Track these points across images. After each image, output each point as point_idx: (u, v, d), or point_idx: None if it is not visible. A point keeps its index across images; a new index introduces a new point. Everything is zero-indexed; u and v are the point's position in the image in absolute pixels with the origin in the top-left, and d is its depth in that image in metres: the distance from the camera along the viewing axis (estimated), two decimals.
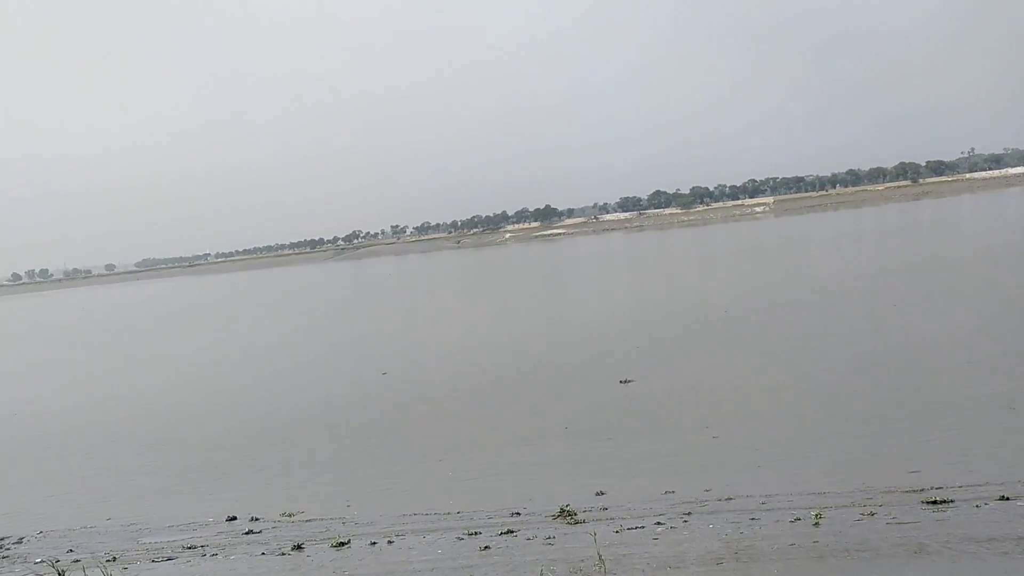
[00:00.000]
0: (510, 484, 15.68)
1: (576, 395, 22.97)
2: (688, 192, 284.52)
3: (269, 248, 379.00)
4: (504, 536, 12.08)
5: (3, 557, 13.51)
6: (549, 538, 11.75)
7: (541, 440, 18.76)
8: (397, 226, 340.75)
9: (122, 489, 18.42)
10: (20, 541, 14.62)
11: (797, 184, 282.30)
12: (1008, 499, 11.30)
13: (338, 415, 24.16)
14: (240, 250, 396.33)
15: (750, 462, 15.43)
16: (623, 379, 23.71)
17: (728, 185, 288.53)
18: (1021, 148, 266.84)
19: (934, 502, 11.53)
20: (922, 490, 12.32)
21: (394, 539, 12.51)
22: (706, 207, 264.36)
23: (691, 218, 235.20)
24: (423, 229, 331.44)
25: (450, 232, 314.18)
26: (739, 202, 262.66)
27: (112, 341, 61.15)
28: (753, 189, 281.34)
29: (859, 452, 15.21)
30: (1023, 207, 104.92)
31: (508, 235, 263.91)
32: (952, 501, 11.49)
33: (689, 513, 12.36)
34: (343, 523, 14.00)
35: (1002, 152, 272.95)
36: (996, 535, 9.85)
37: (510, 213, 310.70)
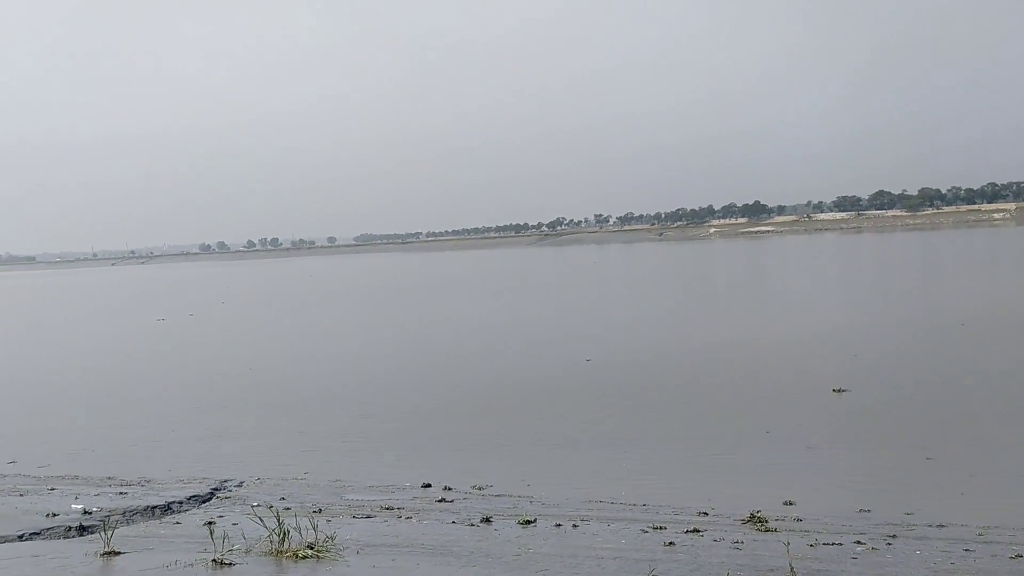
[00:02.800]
0: (700, 483, 15.38)
1: (784, 401, 22.07)
2: (916, 193, 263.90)
3: (476, 230, 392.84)
4: (690, 534, 11.87)
5: (226, 497, 14.98)
6: (737, 542, 11.41)
7: (739, 443, 18.22)
8: (600, 215, 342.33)
9: (330, 447, 19.86)
10: (240, 485, 16.15)
11: None
12: None
13: (537, 397, 24.70)
14: (449, 230, 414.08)
15: (966, 489, 14.19)
16: (837, 388, 22.51)
17: (963, 188, 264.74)
18: None
19: None
20: None
21: (579, 523, 12.64)
22: (936, 211, 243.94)
23: (917, 222, 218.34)
24: (626, 219, 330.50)
25: (653, 224, 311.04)
26: (975, 207, 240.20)
27: (335, 309, 65.75)
28: (992, 193, 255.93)
29: None
30: None
31: (713, 230, 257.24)
32: None
33: (894, 536, 11.56)
34: (530, 502, 14.32)
35: None
36: None
37: (716, 208, 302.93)
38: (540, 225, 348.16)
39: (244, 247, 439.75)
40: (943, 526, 12.03)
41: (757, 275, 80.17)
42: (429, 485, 15.69)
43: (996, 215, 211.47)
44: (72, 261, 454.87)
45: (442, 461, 17.90)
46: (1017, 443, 16.83)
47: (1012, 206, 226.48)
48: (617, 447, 18.53)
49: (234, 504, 14.38)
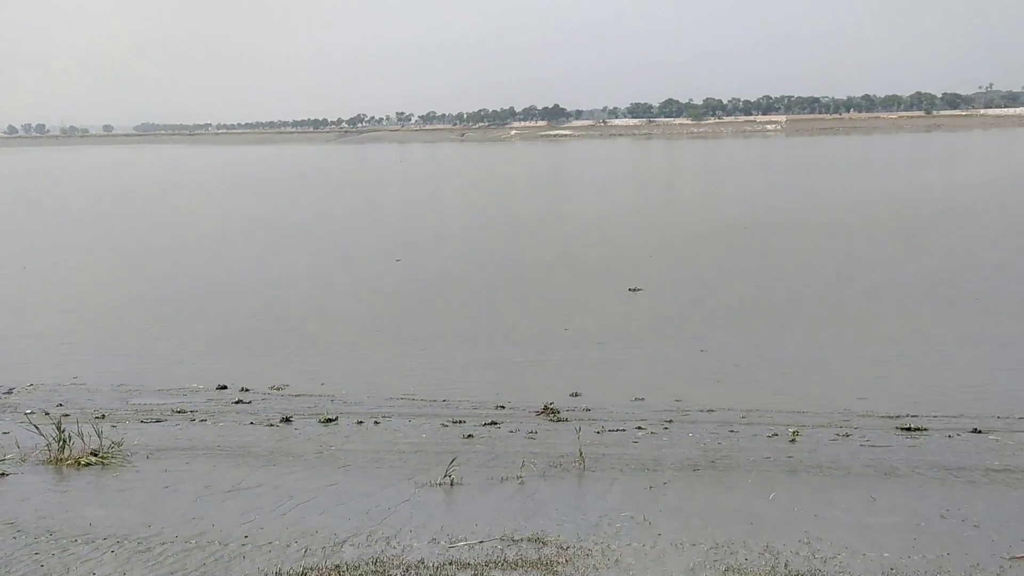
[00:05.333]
0: (499, 378, 15.97)
1: (583, 299, 23.12)
2: (701, 103, 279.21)
3: (272, 124, 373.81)
4: (488, 427, 12.37)
5: None
6: (532, 432, 12.04)
7: (539, 340, 18.96)
8: (402, 113, 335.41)
9: (113, 350, 18.69)
10: (10, 392, 14.91)
11: (812, 105, 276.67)
12: (980, 432, 11.58)
13: (342, 300, 24.37)
14: (242, 123, 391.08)
15: (733, 377, 15.70)
16: (632, 287, 23.84)
17: (742, 100, 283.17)
18: None
19: (908, 429, 11.81)
20: (898, 417, 12.60)
21: (380, 420, 12.81)
22: (718, 120, 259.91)
23: (701, 130, 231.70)
24: (428, 119, 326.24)
25: (455, 124, 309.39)
26: (751, 118, 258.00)
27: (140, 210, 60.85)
28: (767, 106, 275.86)
29: (843, 376, 15.48)
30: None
31: (514, 132, 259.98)
32: (926, 430, 11.77)
33: (671, 421, 12.64)
34: (332, 401, 14.30)
35: (1020, 91, 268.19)
36: (965, 465, 10.11)
37: (517, 110, 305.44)
38: (340, 121, 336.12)
39: (5, 132, 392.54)
40: (712, 411, 13.29)
41: (559, 179, 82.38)
42: (225, 387, 15.23)
43: (769, 126, 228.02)
44: None
45: (238, 364, 17.36)
46: (775, 336, 18.72)
47: (783, 118, 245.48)
48: (419, 345, 18.77)
49: (3, 412, 13.30)
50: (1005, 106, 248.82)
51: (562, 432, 11.91)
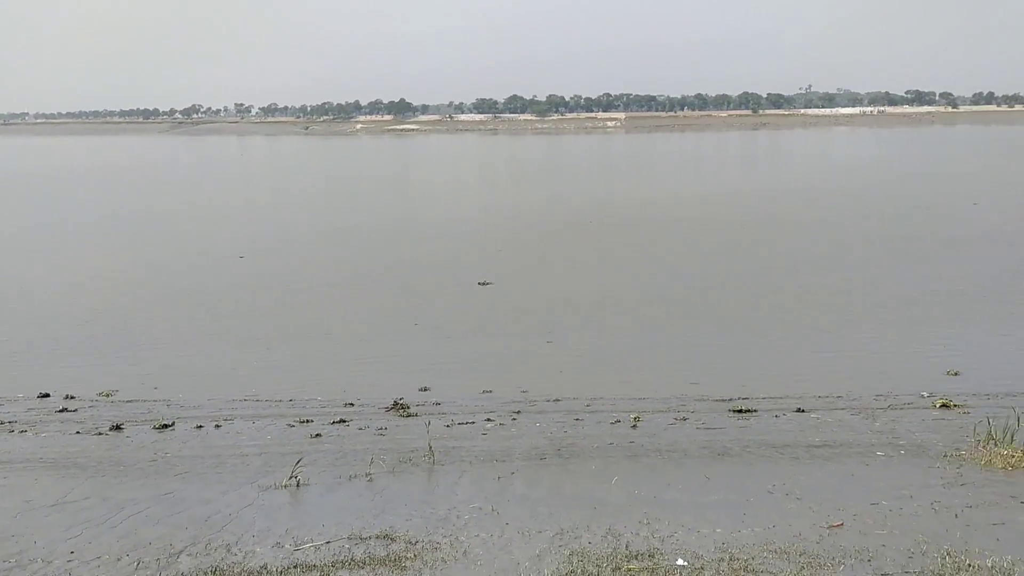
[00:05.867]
0: (348, 375, 15.69)
1: (434, 294, 23.03)
2: (544, 100, 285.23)
3: (97, 113, 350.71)
4: (336, 425, 12.15)
5: None
6: (382, 428, 11.93)
7: (388, 335, 18.78)
8: (241, 105, 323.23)
9: None
10: None
11: (649, 103, 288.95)
12: (803, 411, 12.45)
13: (179, 299, 23.15)
14: (64, 112, 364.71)
15: (579, 367, 16.14)
16: (482, 281, 23.96)
17: (584, 97, 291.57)
18: (852, 90, 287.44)
19: (740, 411, 12.54)
20: (730, 400, 13.35)
21: (222, 423, 12.31)
22: (560, 117, 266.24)
23: (545, 126, 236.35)
24: (269, 111, 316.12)
25: (298, 117, 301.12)
26: (593, 115, 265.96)
27: None
28: (607, 103, 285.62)
29: (680, 363, 16.22)
30: (825, 147, 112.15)
31: (360, 126, 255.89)
32: (755, 411, 12.53)
33: (519, 412, 12.85)
34: (167, 406, 13.61)
35: (835, 92, 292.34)
36: (789, 442, 10.85)
37: (363, 103, 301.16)
38: (173, 112, 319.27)
39: None
40: (559, 400, 13.61)
41: (408, 172, 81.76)
42: (47, 395, 14.19)
43: (609, 123, 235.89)
44: None
45: (62, 370, 16.20)
46: (618, 327, 19.39)
47: (622, 115, 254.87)
48: (263, 344, 18.16)
49: None
50: (822, 106, 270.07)
51: (412, 427, 11.87)
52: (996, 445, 9.95)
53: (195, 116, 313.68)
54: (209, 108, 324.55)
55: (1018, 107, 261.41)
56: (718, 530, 7.98)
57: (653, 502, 8.75)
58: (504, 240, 32.60)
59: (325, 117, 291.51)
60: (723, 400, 13.40)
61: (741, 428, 11.67)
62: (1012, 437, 9.87)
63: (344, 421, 12.36)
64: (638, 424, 11.89)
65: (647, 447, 10.78)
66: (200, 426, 12.16)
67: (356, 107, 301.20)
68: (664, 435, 11.35)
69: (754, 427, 11.72)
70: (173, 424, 12.25)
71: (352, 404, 13.52)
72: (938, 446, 10.47)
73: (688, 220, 37.44)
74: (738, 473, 9.71)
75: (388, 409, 13.11)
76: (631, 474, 9.67)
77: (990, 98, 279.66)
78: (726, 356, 16.69)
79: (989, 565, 7.09)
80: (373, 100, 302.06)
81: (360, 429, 11.95)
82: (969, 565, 7.11)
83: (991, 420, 10.42)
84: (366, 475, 9.73)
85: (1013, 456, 9.64)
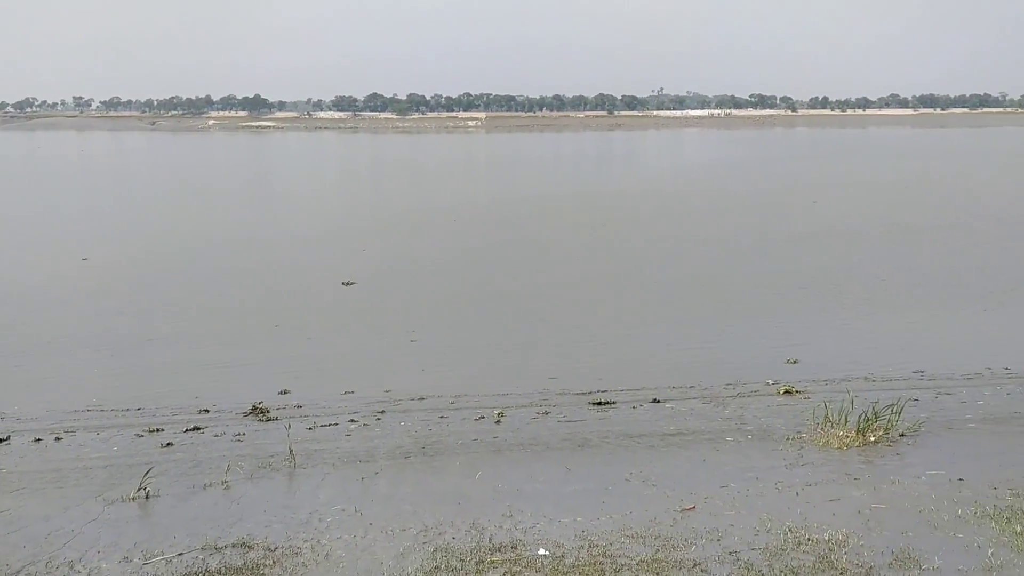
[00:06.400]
0: (202, 381, 15.06)
1: (294, 296, 22.36)
2: (405, 99, 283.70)
3: None
4: (190, 433, 11.66)
5: None
6: (239, 434, 11.54)
7: (247, 338, 18.13)
8: (80, 98, 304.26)
9: None
10: None
11: (508, 103, 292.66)
12: (659, 402, 12.95)
13: (11, 303, 21.49)
14: None
15: (443, 364, 16.15)
16: (345, 281, 23.51)
17: (444, 96, 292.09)
18: (701, 92, 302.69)
19: (600, 403, 12.91)
20: (591, 393, 13.71)
21: (63, 436, 11.57)
22: (422, 116, 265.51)
23: (406, 125, 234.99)
24: (111, 105, 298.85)
25: (144, 112, 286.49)
26: (453, 114, 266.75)
27: None
28: (468, 103, 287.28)
29: (542, 357, 16.51)
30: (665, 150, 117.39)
31: (212, 122, 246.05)
32: (614, 403, 12.94)
33: (383, 412, 12.73)
34: (1, 419, 12.66)
35: (685, 95, 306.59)
36: (646, 432, 11.28)
37: (215, 99, 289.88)
38: (4, 105, 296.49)
39: None
40: (423, 398, 13.59)
41: (265, 172, 79.25)
42: None
43: (470, 123, 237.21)
44: None
45: None
46: (482, 324, 19.55)
47: (483, 115, 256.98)
48: (108, 351, 17.17)
49: None
50: (672, 108, 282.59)
51: (272, 432, 11.55)
52: (832, 427, 10.70)
53: (29, 110, 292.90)
54: (44, 102, 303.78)
55: (849, 111, 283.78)
56: (578, 519, 8.20)
57: (516, 495, 8.89)
58: (368, 239, 32.20)
59: (174, 112, 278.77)
60: (584, 393, 13.74)
61: (601, 420, 12.02)
62: (846, 419, 10.64)
63: (199, 428, 11.88)
64: (502, 419, 12.04)
65: (510, 441, 10.93)
66: (39, 439, 11.39)
67: (208, 102, 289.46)
68: (527, 429, 11.54)
69: (613, 418, 12.10)
70: (8, 438, 11.41)
71: (207, 410, 12.99)
72: (782, 430, 11.16)
73: (550, 217, 38.16)
74: (598, 463, 10.01)
75: (246, 414, 12.69)
76: (495, 468, 9.79)
77: (825, 103, 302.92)
78: (586, 351, 17.12)
79: (826, 538, 7.64)
80: (226, 95, 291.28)
81: (216, 436, 11.52)
82: (808, 539, 7.63)
83: (827, 404, 11.18)
84: (222, 483, 9.39)
85: (848, 436, 10.41)
